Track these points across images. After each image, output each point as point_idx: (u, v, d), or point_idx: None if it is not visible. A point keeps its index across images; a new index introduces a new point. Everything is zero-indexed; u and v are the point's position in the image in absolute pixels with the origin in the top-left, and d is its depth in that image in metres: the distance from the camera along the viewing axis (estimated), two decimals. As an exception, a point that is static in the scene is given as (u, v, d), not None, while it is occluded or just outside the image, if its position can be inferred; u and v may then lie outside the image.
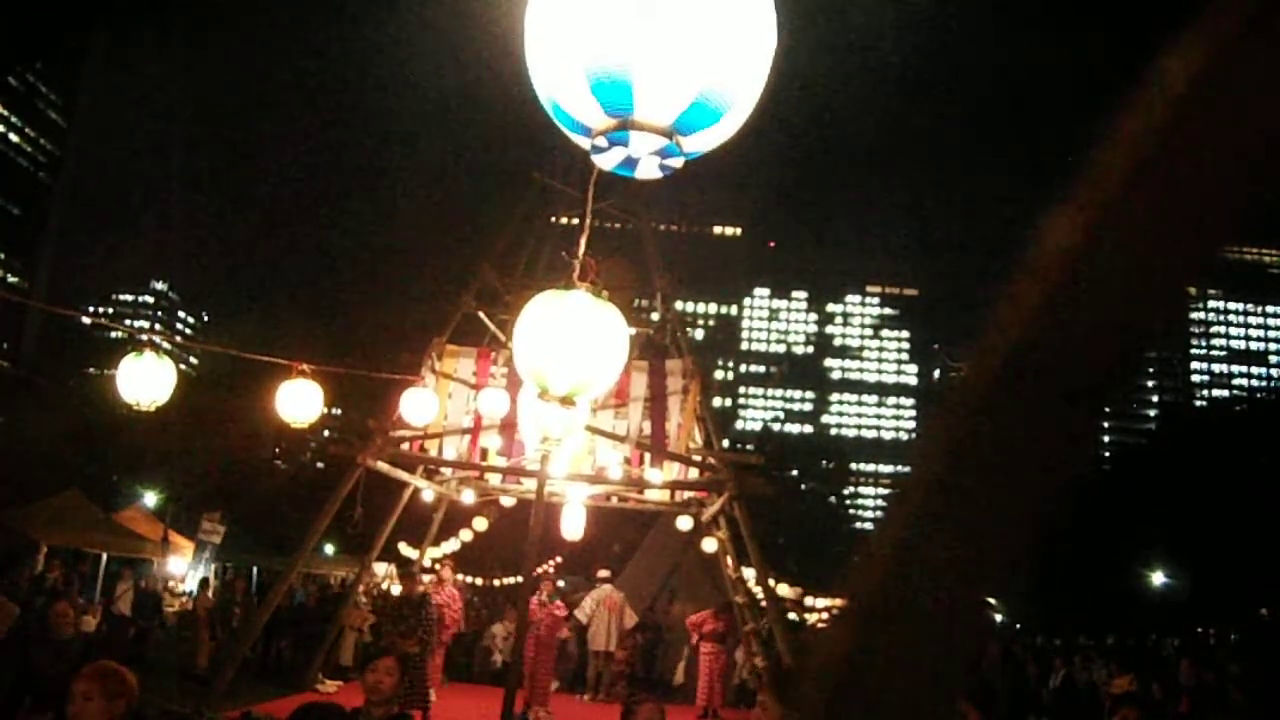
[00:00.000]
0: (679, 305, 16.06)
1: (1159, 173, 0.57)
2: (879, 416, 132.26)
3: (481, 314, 12.52)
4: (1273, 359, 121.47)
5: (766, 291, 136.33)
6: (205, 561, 19.56)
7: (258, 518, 28.11)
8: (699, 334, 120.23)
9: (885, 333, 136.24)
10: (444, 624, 12.12)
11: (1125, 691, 9.52)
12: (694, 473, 11.31)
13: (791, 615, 20.58)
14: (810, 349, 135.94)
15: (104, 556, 19.10)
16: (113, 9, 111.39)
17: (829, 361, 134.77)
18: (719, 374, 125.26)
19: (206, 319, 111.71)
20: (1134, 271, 0.59)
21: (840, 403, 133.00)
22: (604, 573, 14.69)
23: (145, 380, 6.69)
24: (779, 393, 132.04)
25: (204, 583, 16.28)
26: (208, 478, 31.12)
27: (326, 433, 36.41)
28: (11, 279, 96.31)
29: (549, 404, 3.36)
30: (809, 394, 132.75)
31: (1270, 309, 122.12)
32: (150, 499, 26.35)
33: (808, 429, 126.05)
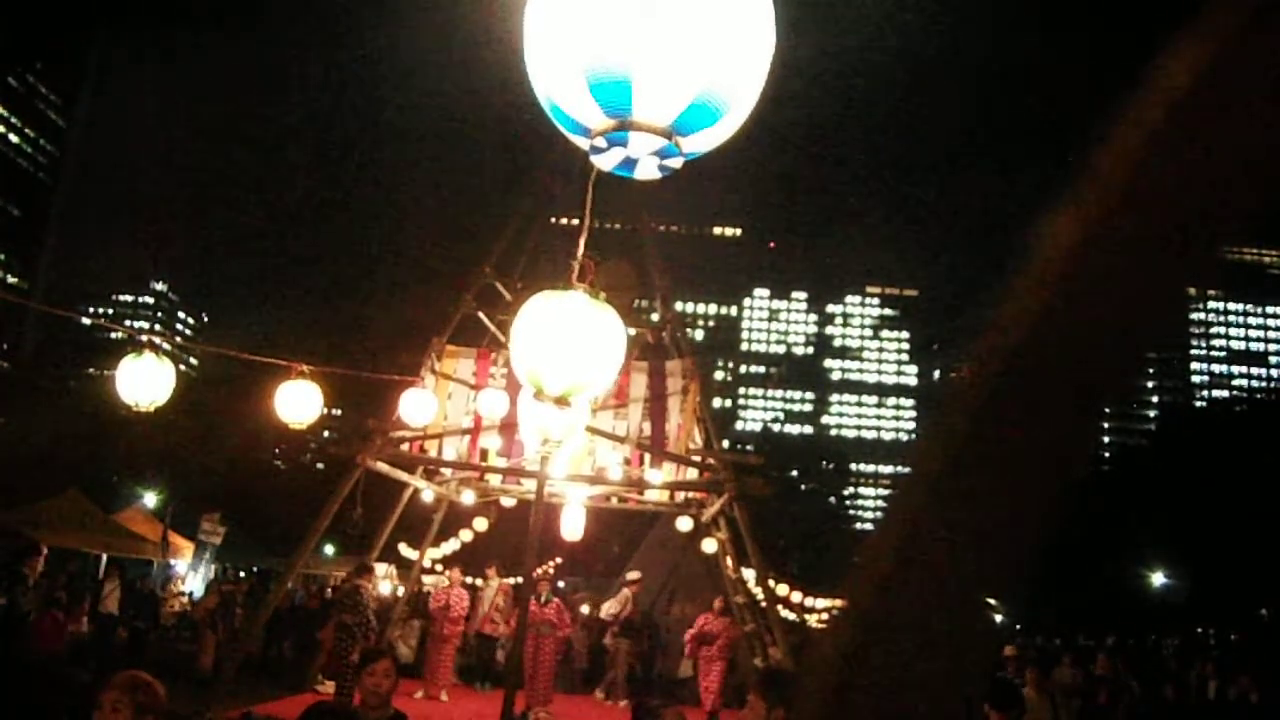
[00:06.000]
0: (679, 306, 16.06)
1: (1159, 173, 0.57)
2: (879, 417, 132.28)
3: (481, 314, 12.52)
4: (1273, 359, 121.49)
5: (766, 292, 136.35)
6: (205, 562, 19.55)
7: (258, 518, 28.09)
8: (699, 334, 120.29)
9: (885, 333, 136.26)
10: (449, 624, 12.23)
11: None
12: (694, 473, 11.30)
13: (791, 616, 20.58)
14: (810, 350, 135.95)
15: (104, 557, 19.08)
16: (113, 9, 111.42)
17: (829, 362, 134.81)
18: (719, 374, 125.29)
19: (206, 319, 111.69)
20: (1134, 271, 0.59)
21: (840, 403, 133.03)
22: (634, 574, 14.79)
23: (144, 381, 6.68)
24: (779, 393, 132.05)
25: (210, 585, 16.29)
26: (208, 478, 31.08)
27: (326, 433, 36.44)
28: (11, 279, 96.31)
29: (544, 404, 3.37)
30: (809, 395, 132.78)
31: (1270, 309, 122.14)
32: (150, 499, 26.32)
33: (808, 430, 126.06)
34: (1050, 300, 0.59)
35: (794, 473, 70.37)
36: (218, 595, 14.78)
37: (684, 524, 13.66)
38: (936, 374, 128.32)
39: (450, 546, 16.38)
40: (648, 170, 2.52)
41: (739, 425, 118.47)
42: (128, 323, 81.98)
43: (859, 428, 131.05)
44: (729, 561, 13.35)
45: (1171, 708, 12.26)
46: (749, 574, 12.70)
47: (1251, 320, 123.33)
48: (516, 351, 3.37)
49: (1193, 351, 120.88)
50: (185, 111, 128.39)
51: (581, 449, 11.04)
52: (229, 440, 32.18)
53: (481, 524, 15.43)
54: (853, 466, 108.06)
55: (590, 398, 4.95)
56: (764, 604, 11.60)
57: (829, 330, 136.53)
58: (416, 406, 9.61)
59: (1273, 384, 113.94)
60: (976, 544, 0.62)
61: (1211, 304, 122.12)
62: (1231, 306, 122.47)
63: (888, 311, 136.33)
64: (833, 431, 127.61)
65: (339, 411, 28.47)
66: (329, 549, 26.24)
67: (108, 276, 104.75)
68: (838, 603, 0.70)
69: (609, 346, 3.35)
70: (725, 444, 13.49)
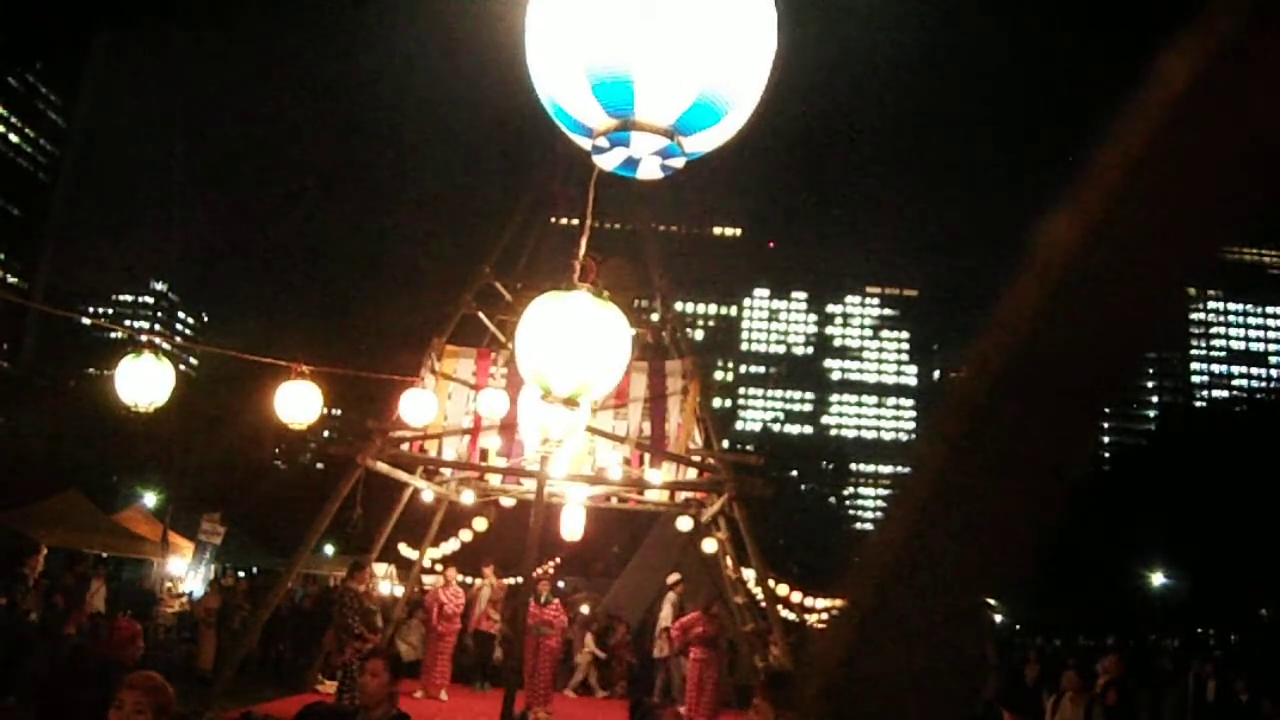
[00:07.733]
0: (679, 306, 16.07)
1: (1159, 173, 0.57)
2: (879, 417, 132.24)
3: (481, 314, 12.52)
4: (1273, 359, 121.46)
5: (766, 292, 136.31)
6: (205, 562, 19.54)
7: (258, 518, 28.09)
8: (699, 334, 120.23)
9: (885, 333, 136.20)
10: (443, 621, 12.25)
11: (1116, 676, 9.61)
12: (694, 473, 11.31)
13: (791, 616, 20.57)
14: (810, 350, 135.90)
15: (92, 556, 19.09)
16: (113, 9, 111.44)
17: (829, 362, 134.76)
18: (719, 374, 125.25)
19: (206, 319, 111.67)
20: (1134, 271, 0.59)
21: (840, 403, 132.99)
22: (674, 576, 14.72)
23: (144, 382, 6.67)
24: (779, 393, 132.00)
25: (211, 584, 16.27)
26: (208, 478, 31.10)
27: (326, 433, 36.41)
28: (11, 279, 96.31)
29: (552, 406, 3.37)
30: (809, 395, 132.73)
31: (1270, 309, 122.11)
32: (150, 499, 26.34)
33: (807, 430, 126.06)
34: (1050, 300, 0.59)
35: (794, 473, 70.41)
36: (218, 595, 14.79)
37: (684, 524, 13.66)
38: (936, 374, 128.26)
39: (450, 546, 16.39)
40: (650, 170, 2.52)
41: (739, 425, 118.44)
42: (128, 323, 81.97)
43: (859, 428, 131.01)
44: (729, 561, 13.36)
45: (1172, 708, 12.29)
46: (749, 574, 12.70)
47: (1251, 320, 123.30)
48: (522, 353, 3.36)
49: (1193, 351, 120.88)
50: (185, 111, 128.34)
51: (581, 449, 11.04)
52: (229, 440, 32.18)
53: (481, 524, 15.43)
54: (853, 466, 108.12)
55: (596, 398, 4.93)
56: (764, 604, 11.60)
57: (829, 330, 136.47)
58: (416, 406, 9.61)
59: (1273, 384, 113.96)
60: (976, 544, 0.62)
61: (1211, 304, 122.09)
62: (1231, 306, 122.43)
63: (888, 311, 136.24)
64: (833, 431, 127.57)
65: (339, 411, 28.50)
66: (329, 549, 26.25)
67: (108, 276, 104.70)
68: (838, 603, 0.70)
69: (615, 346, 3.35)
70: (725, 444, 13.48)
